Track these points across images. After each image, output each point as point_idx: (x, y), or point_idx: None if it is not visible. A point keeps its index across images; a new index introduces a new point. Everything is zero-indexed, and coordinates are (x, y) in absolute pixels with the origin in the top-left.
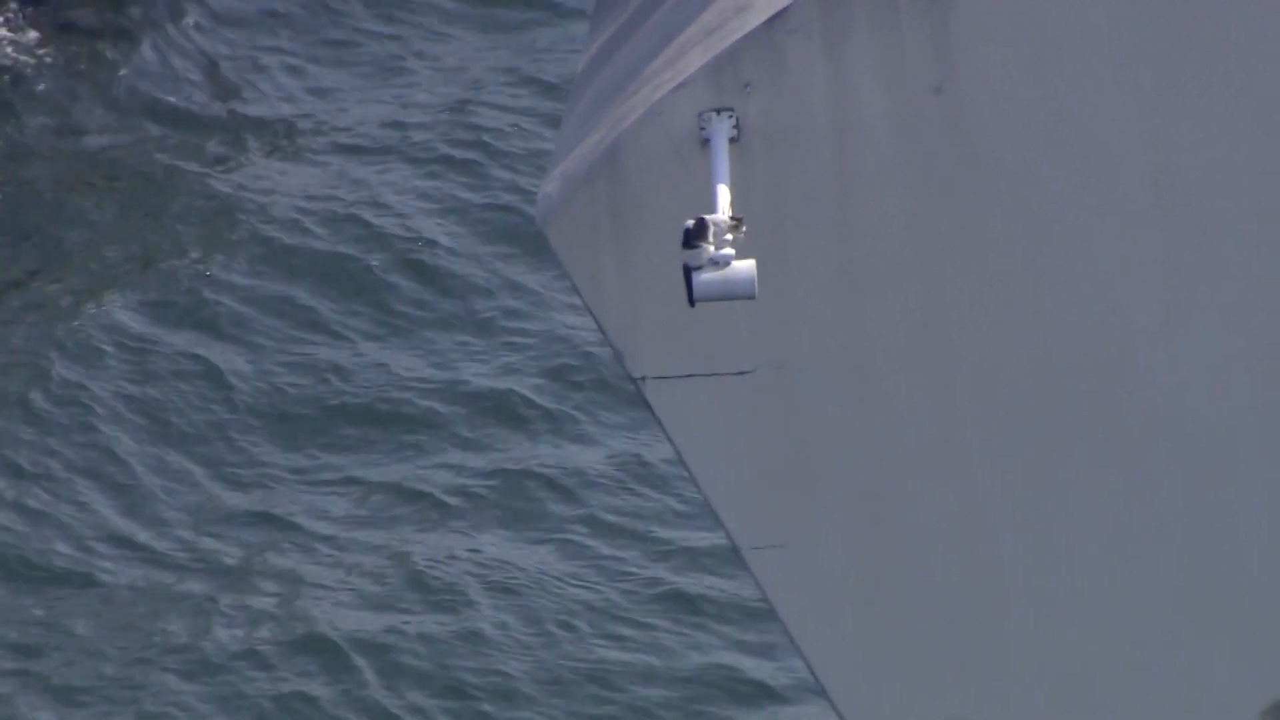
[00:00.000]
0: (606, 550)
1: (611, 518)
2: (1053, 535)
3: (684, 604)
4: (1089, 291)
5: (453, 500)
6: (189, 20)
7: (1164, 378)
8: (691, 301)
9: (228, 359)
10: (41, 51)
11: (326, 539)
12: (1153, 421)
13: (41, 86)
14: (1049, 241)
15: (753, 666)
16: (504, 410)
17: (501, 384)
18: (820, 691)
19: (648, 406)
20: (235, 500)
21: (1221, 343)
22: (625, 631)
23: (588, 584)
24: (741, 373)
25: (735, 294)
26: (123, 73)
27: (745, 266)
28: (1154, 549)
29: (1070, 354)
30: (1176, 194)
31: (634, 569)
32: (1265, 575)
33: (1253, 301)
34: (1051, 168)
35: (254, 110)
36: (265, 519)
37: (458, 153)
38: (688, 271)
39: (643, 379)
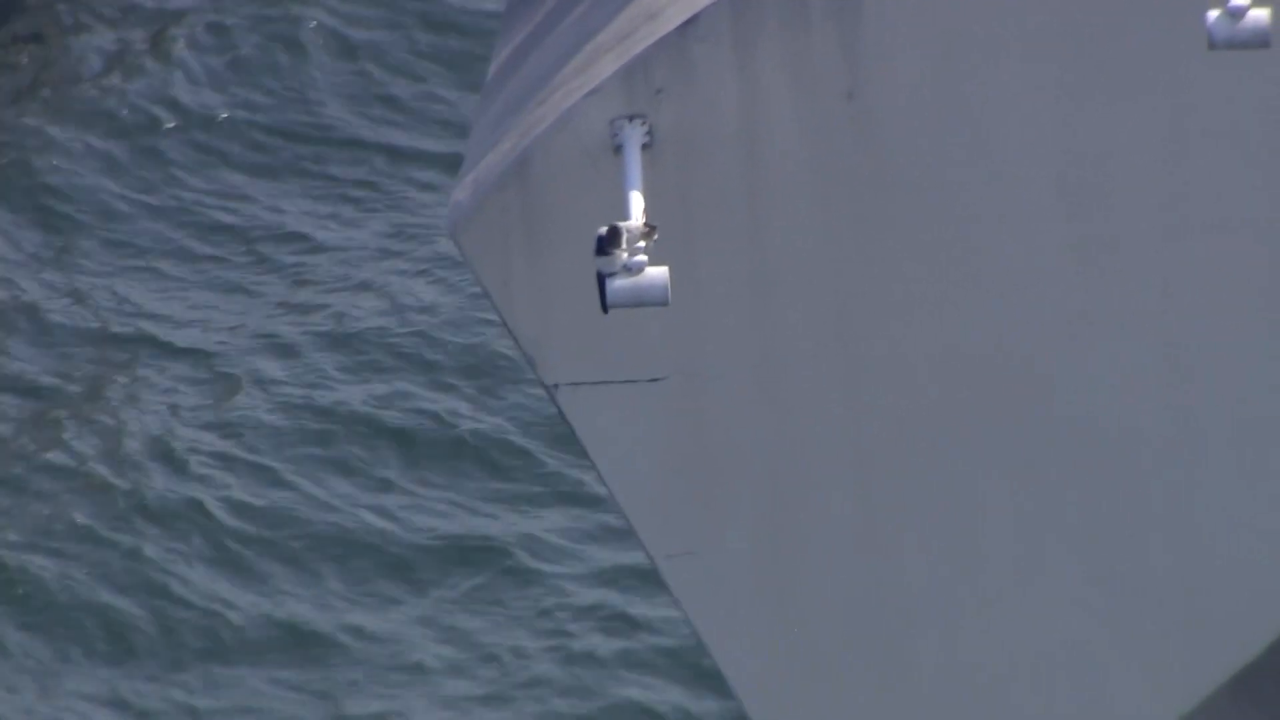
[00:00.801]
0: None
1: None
2: (961, 543)
3: None
4: (999, 297)
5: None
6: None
7: (1073, 384)
8: (605, 309)
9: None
10: None
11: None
12: (1062, 428)
13: None
14: (959, 247)
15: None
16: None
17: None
18: (735, 697)
19: (560, 414)
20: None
21: (1131, 349)
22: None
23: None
24: (654, 379)
25: (648, 301)
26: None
27: (658, 273)
28: (1063, 557)
29: (980, 360)
30: (1086, 199)
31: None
32: (1175, 584)
33: (1162, 307)
34: (962, 173)
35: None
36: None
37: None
38: (601, 279)
39: (555, 386)
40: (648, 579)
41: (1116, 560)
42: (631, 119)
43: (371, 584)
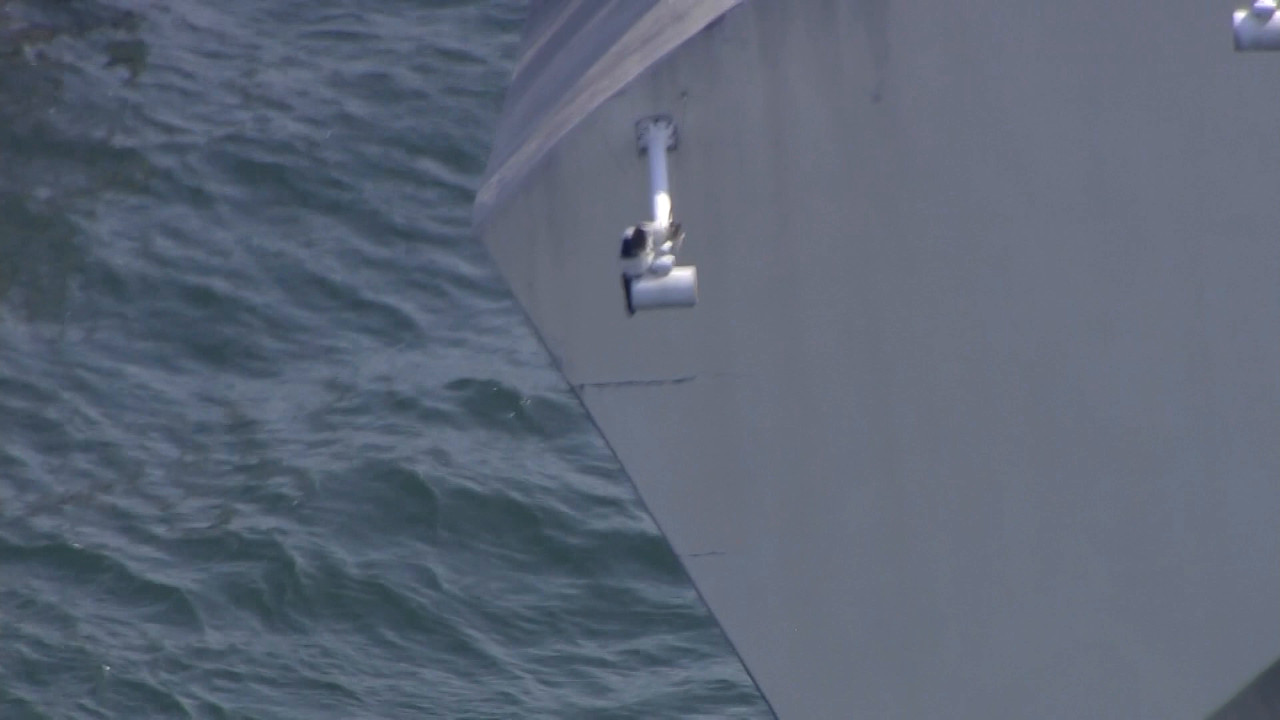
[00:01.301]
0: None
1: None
2: (986, 542)
3: None
4: (1024, 298)
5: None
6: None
7: (1099, 383)
8: (630, 310)
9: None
10: None
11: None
12: (1087, 427)
13: None
14: (985, 248)
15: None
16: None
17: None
18: (761, 697)
19: (587, 414)
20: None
21: (1156, 348)
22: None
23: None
24: (680, 380)
25: (674, 302)
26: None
27: (684, 275)
28: (1089, 557)
29: (1005, 360)
30: (1110, 199)
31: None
32: (1199, 582)
33: (1186, 307)
34: (988, 174)
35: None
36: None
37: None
38: (626, 280)
39: (581, 387)
40: None
41: (1142, 559)
42: (657, 120)
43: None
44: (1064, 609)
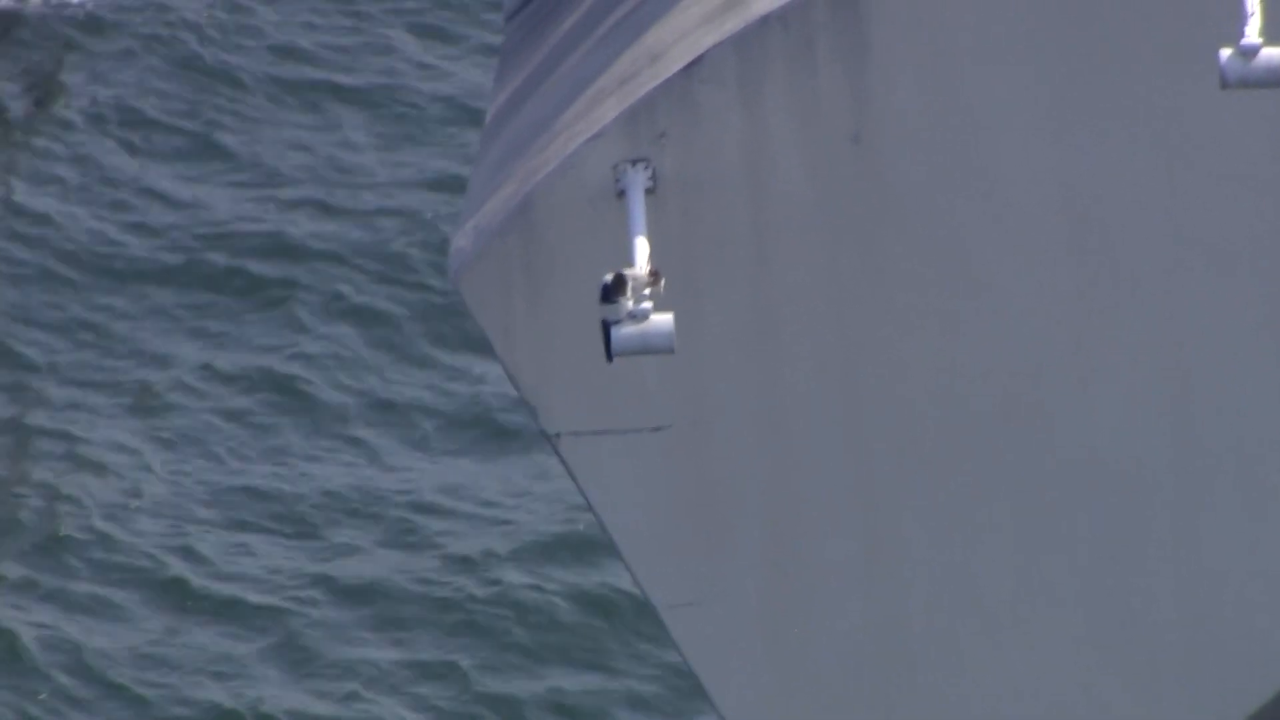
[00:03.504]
0: None
1: None
2: (967, 587)
3: None
4: (1005, 337)
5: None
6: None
7: (1078, 420)
8: (610, 357)
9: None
10: None
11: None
12: (1066, 465)
13: None
14: (964, 290)
15: None
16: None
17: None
18: None
19: (563, 463)
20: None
21: (1135, 381)
22: None
23: None
24: (657, 429)
25: (654, 349)
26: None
27: (663, 321)
28: (1067, 595)
29: (984, 400)
30: (1090, 237)
31: None
32: (1177, 621)
33: (1166, 340)
34: (968, 215)
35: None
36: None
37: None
38: (606, 327)
39: (557, 436)
40: None
41: (1120, 598)
42: (634, 163)
43: None
44: (1043, 650)
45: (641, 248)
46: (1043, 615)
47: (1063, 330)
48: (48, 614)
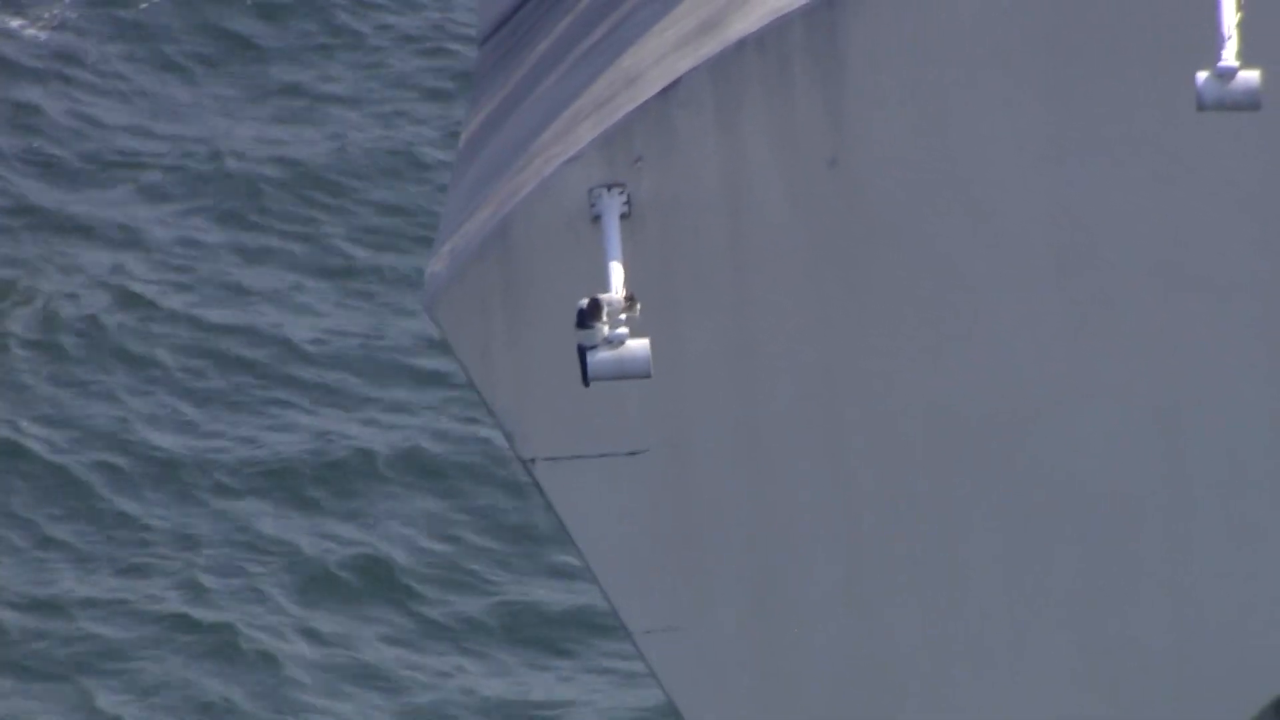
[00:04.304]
0: None
1: None
2: (952, 611)
3: None
4: (988, 359)
5: None
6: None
7: (1065, 448)
8: (586, 381)
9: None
10: None
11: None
12: (1053, 493)
13: None
14: (947, 312)
15: None
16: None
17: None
18: None
19: (538, 488)
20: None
21: (1123, 409)
22: None
23: None
24: (633, 453)
25: (630, 373)
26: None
27: (639, 346)
28: (1054, 624)
29: (970, 425)
30: (1076, 258)
31: None
32: (1166, 651)
33: (1155, 369)
34: (950, 236)
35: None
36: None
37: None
38: (582, 352)
39: (532, 461)
40: None
41: (1108, 626)
42: (610, 188)
43: None
44: (1030, 678)
45: (617, 272)
46: (1032, 645)
47: (1047, 351)
48: None
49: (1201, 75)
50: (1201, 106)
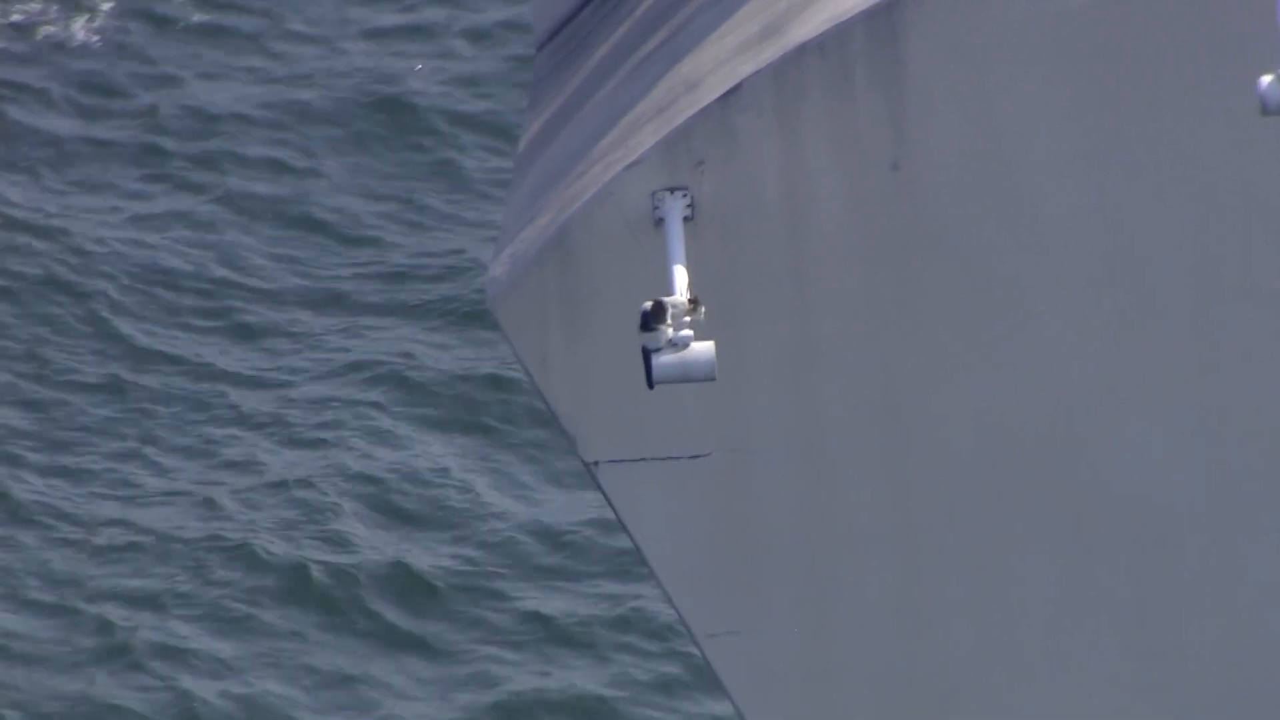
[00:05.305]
0: None
1: None
2: (1002, 618)
3: None
4: (1042, 369)
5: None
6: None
7: (1114, 456)
8: (650, 384)
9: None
10: None
11: None
12: (1102, 501)
13: None
14: (1003, 319)
15: None
16: None
17: None
18: None
19: (601, 491)
20: None
21: (1171, 420)
22: None
23: None
24: (696, 456)
25: (694, 376)
26: None
27: (704, 348)
28: (1103, 631)
29: (1023, 433)
30: (1127, 270)
31: None
32: (1214, 660)
33: (1202, 378)
34: (1005, 243)
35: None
36: None
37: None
38: (646, 354)
39: (595, 464)
40: None
41: (1157, 635)
42: (673, 191)
43: None
44: (1079, 686)
45: (680, 275)
46: (1080, 652)
47: (1102, 360)
48: None
49: (1266, 79)
50: (1266, 111)
